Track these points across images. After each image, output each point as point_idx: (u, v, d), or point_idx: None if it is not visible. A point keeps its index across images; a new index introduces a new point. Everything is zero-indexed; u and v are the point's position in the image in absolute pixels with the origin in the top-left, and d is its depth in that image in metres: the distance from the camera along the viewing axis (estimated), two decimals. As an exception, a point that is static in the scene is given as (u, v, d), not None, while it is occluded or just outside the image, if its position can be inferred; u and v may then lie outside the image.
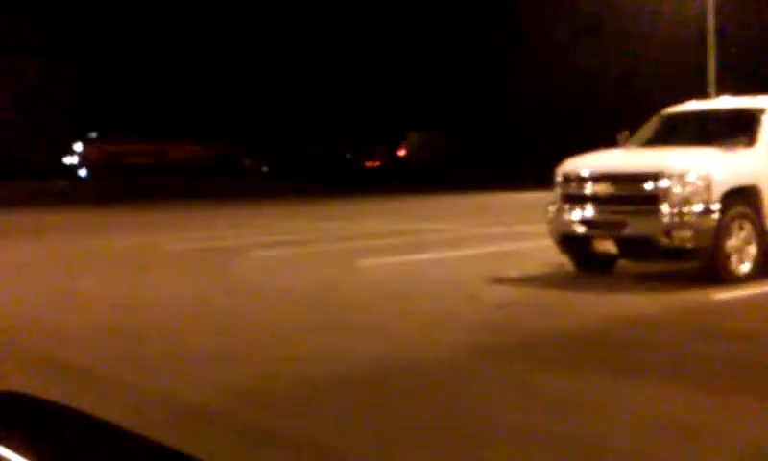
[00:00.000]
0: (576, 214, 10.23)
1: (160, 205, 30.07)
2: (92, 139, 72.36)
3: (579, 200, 10.30)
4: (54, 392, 5.08)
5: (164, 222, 22.36)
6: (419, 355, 6.55)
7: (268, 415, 5.10)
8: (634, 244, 9.87)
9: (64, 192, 42.89)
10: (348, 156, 76.33)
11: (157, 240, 16.52)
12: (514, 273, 10.81)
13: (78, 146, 71.55)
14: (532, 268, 11.14)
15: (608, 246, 10.04)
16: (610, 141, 11.77)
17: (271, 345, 7.07)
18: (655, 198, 9.58)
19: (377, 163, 75.91)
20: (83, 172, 69.45)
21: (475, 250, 13.58)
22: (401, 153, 75.90)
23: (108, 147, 70.77)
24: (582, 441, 4.57)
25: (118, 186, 46.56)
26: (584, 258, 10.52)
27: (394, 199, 30.88)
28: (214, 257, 13.51)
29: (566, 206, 10.39)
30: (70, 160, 71.49)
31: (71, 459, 1.14)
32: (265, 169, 74.39)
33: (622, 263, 10.61)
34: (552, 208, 10.59)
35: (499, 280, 10.27)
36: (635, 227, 9.70)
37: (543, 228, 11.11)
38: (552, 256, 10.94)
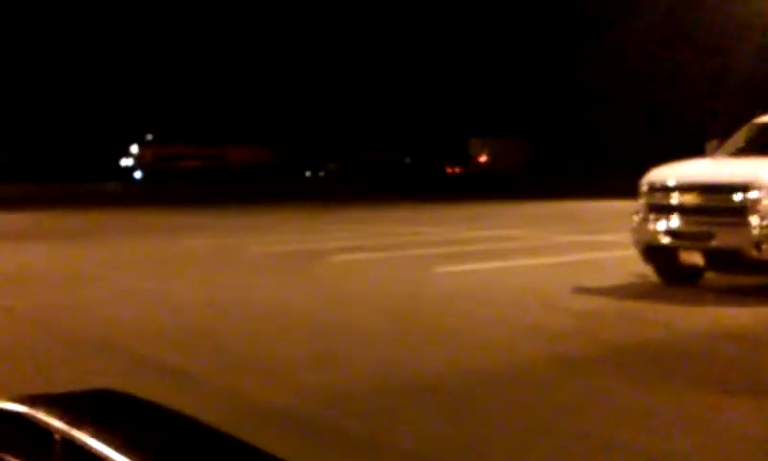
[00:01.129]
0: (662, 224, 10.05)
1: (230, 208, 30.48)
2: (148, 142, 72.31)
3: (665, 210, 10.12)
4: (148, 392, 5.22)
5: (242, 225, 22.70)
6: (497, 364, 6.52)
7: (351, 419, 5.14)
8: (721, 256, 9.65)
9: (115, 194, 43.26)
10: (425, 162, 75.73)
11: (240, 242, 16.78)
12: (596, 282, 10.67)
13: (134, 148, 71.62)
14: (614, 278, 10.98)
15: (694, 257, 9.84)
16: (698, 150, 11.54)
17: (352, 349, 7.12)
18: (744, 210, 9.35)
19: (458, 170, 75.38)
20: (137, 174, 69.64)
21: (556, 258, 13.44)
22: (482, 159, 75.22)
23: (164, 150, 70.53)
24: (664, 456, 4.49)
25: (173, 189, 46.28)
26: (669, 270, 10.32)
27: (474, 205, 30.75)
28: (297, 261, 13.66)
29: (652, 216, 10.21)
30: (126, 162, 71.82)
31: (170, 458, 1.18)
32: (321, 174, 74.09)
33: (708, 275, 10.38)
34: (636, 218, 10.42)
35: (581, 290, 10.14)
36: (722, 238, 9.48)
37: (627, 237, 10.94)
38: (636, 267, 10.77)
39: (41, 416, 1.30)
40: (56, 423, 1.26)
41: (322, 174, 74.37)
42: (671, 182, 10.20)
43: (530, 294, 9.90)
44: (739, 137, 11.46)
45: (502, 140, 72.65)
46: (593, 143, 52.18)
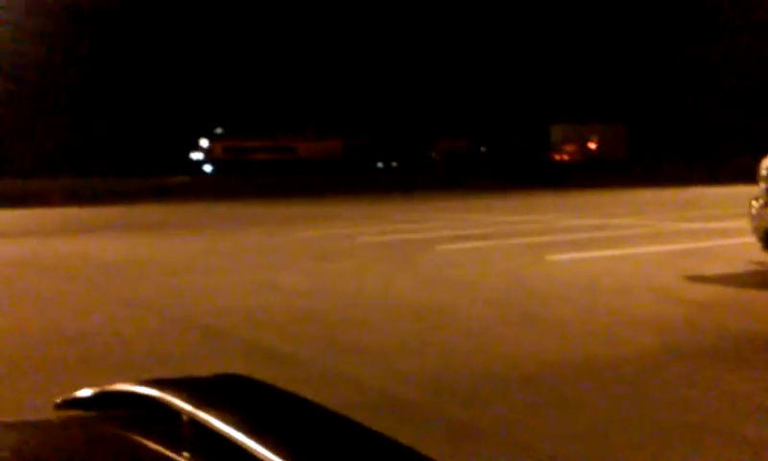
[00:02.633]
0: (782, 210, 9.68)
1: (310, 199, 30.64)
2: (217, 135, 71.83)
3: (785, 195, 9.74)
4: (255, 376, 5.35)
5: (342, 214, 22.93)
6: (606, 353, 6.41)
7: (453, 406, 5.15)
8: None
9: (185, 187, 43.13)
10: (530, 149, 73.81)
11: (346, 232, 16.97)
12: (711, 271, 10.35)
13: (204, 142, 71.19)
14: (731, 266, 10.63)
15: (817, 244, 9.45)
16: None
17: (459, 338, 7.11)
18: None
19: (566, 157, 73.82)
20: (207, 167, 69.26)
21: (670, 246, 13.10)
22: (592, 146, 73.54)
23: (234, 143, 70.08)
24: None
25: (246, 182, 45.97)
26: (789, 257, 9.94)
27: (583, 193, 30.25)
28: (405, 249, 13.72)
29: (771, 202, 9.85)
30: (196, 156, 71.58)
31: (293, 440, 1.21)
32: (394, 164, 72.80)
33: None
34: (756, 204, 10.06)
35: (695, 278, 9.86)
36: None
37: (745, 224, 10.58)
38: (754, 254, 10.40)
39: (169, 398, 1.34)
40: (183, 405, 1.31)
41: (394, 165, 73.18)
42: (792, 166, 9.81)
43: (642, 283, 9.69)
44: None
45: (597, 125, 69.93)
46: (700, 127, 50.52)
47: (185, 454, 1.25)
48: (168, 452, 1.26)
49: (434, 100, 74.69)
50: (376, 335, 7.27)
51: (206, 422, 1.25)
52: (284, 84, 73.79)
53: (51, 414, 1.50)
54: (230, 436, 1.20)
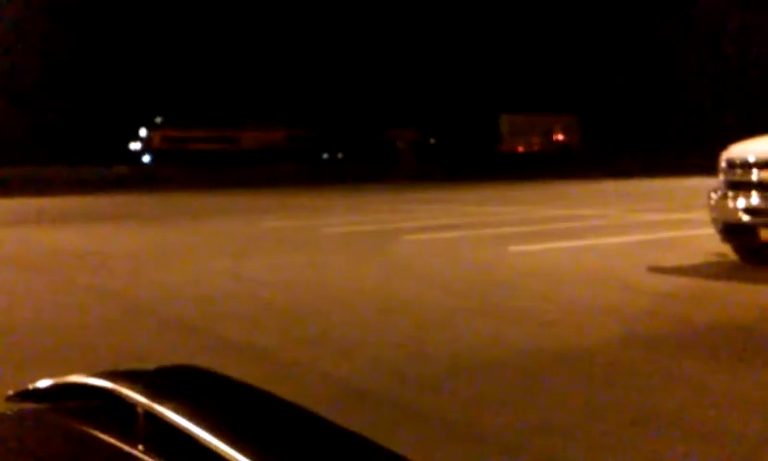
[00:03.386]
0: (741, 202, 9.81)
1: (257, 190, 30.40)
2: (157, 124, 69.50)
3: (744, 187, 9.87)
4: (218, 368, 5.33)
5: (305, 205, 22.90)
6: (570, 342, 6.47)
7: (420, 396, 5.17)
8: (804, 234, 9.39)
9: (122, 177, 42.17)
10: (479, 139, 72.10)
11: (312, 223, 16.94)
12: (673, 262, 10.48)
13: (142, 131, 68.98)
14: (692, 257, 10.77)
15: (775, 235, 9.59)
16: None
17: (426, 327, 7.14)
18: (828, 186, 9.08)
19: (520, 148, 73.56)
20: (145, 157, 67.23)
21: (633, 237, 13.24)
22: (558, 137, 73.59)
23: (173, 132, 67.86)
24: (743, 438, 4.41)
25: (186, 173, 45.09)
26: (748, 248, 10.08)
27: (545, 184, 30.45)
28: (371, 240, 13.73)
29: (731, 194, 9.98)
30: (135, 146, 69.51)
31: (250, 433, 1.21)
32: (340, 156, 71.47)
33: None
34: (715, 196, 10.19)
35: (657, 269, 9.98)
36: (805, 216, 9.22)
37: (705, 215, 10.72)
38: (714, 246, 10.55)
39: (124, 390, 1.34)
40: (138, 397, 1.30)
41: (340, 156, 71.88)
42: (751, 158, 9.95)
43: (605, 273, 9.78)
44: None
45: (549, 116, 68.59)
46: (655, 118, 50.82)
47: (140, 447, 1.24)
48: (123, 445, 1.26)
49: (380, 91, 73.43)
50: (343, 326, 7.28)
51: (162, 414, 1.25)
52: (228, 74, 71.71)
53: (2, 406, 1.48)
54: (186, 429, 1.20)
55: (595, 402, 5.00)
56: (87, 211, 22.88)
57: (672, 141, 46.44)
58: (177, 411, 1.25)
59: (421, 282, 9.54)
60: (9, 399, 1.53)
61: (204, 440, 1.17)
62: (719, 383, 5.35)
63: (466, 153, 63.26)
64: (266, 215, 19.41)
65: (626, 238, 13.11)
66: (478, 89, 70.73)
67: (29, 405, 1.49)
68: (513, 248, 12.16)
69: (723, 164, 10.24)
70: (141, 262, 11.69)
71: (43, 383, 1.51)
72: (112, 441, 1.28)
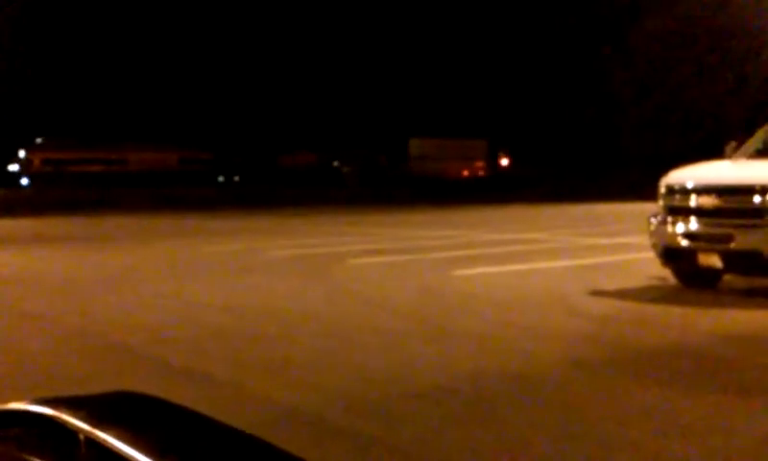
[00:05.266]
0: (680, 227, 10.03)
1: (187, 212, 29.90)
2: (37, 145, 66.04)
3: (683, 212, 10.09)
4: (163, 393, 5.28)
5: (236, 228, 22.77)
6: (516, 366, 6.53)
7: (368, 422, 5.17)
8: (740, 258, 9.61)
9: (3, 201, 41.08)
10: (385, 164, 70.83)
11: (254, 246, 16.86)
12: (614, 285, 10.65)
13: (21, 153, 65.36)
14: (633, 281, 10.96)
15: (713, 260, 9.81)
16: (716, 152, 11.50)
17: (371, 351, 7.15)
18: (763, 211, 9.33)
19: (481, 173, 73.67)
20: (24, 180, 63.91)
21: (575, 261, 13.42)
22: (504, 162, 73.92)
23: (54, 154, 64.30)
24: (669, 458, 4.49)
25: (65, 196, 43.10)
26: (688, 272, 10.29)
27: (492, 209, 30.71)
28: (316, 264, 13.70)
29: (670, 219, 10.19)
30: (13, 168, 65.78)
31: (191, 458, 1.21)
32: (236, 179, 69.92)
33: (727, 278, 10.34)
34: (655, 220, 10.40)
35: (599, 293, 10.13)
36: (741, 241, 9.44)
37: (646, 240, 10.92)
38: (654, 270, 10.74)
39: (65, 417, 1.33)
40: (79, 423, 1.30)
41: (236, 179, 70.30)
42: (690, 184, 10.18)
43: (547, 297, 9.90)
44: (758, 139, 11.41)
45: (457, 140, 67.61)
46: (616, 144, 51.41)
47: (81, 474, 1.24)
48: (64, 472, 1.25)
49: (279, 113, 71.70)
50: (287, 351, 7.25)
51: (103, 441, 1.25)
52: (115, 92, 68.47)
53: None
54: (128, 455, 1.20)
55: (541, 427, 5.05)
56: (8, 234, 22.29)
57: (611, 166, 47.21)
58: (119, 437, 1.25)
59: (367, 306, 9.55)
60: None
61: (146, 466, 1.17)
62: (663, 407, 5.44)
63: (379, 177, 62.36)
64: (198, 238, 19.22)
65: (568, 262, 13.28)
66: (387, 112, 69.83)
67: None
68: (457, 272, 12.24)
69: (663, 190, 10.45)
70: (82, 286, 11.51)
71: (-19, 411, 1.50)
72: (54, 468, 1.28)
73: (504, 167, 73.21)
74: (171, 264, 14.30)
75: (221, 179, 69.34)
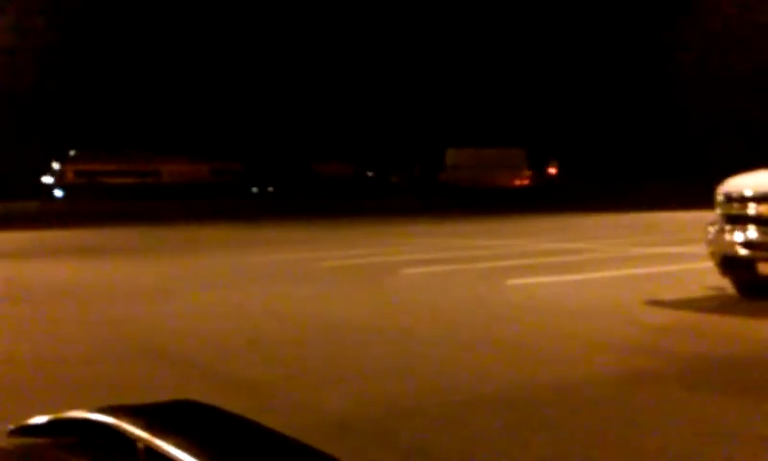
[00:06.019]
0: (739, 235, 9.83)
1: (262, 222, 30.07)
2: (70, 157, 65.74)
3: (742, 220, 9.89)
4: (217, 403, 5.30)
5: (289, 238, 22.87)
6: (573, 377, 6.44)
7: (419, 431, 5.14)
8: (801, 268, 9.40)
9: (38, 213, 40.75)
10: (418, 174, 69.99)
11: (307, 256, 16.93)
12: (671, 295, 10.48)
13: (55, 164, 65.15)
14: (690, 291, 10.77)
15: (773, 269, 9.59)
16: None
17: (425, 361, 7.12)
18: (825, 219, 9.11)
19: (525, 182, 73.07)
20: (57, 192, 63.40)
21: (630, 270, 13.23)
22: (552, 170, 73.29)
23: (87, 166, 64.01)
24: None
25: (101, 208, 43.87)
26: (746, 282, 10.08)
27: (539, 218, 30.49)
28: (370, 274, 13.70)
29: (728, 227, 10.00)
30: (47, 180, 65.46)
31: None
32: (270, 189, 69.64)
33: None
34: (712, 229, 10.21)
35: (656, 303, 9.97)
36: (802, 250, 9.24)
37: (701, 249, 10.73)
38: (712, 279, 10.54)
39: (124, 425, 1.33)
40: (139, 432, 1.29)
41: (270, 190, 70.18)
42: (748, 192, 9.98)
43: (602, 307, 9.77)
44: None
45: (495, 150, 66.83)
46: (679, 151, 50.53)
47: (141, 482, 1.23)
48: (123, 480, 1.25)
49: (312, 124, 71.35)
50: (341, 360, 7.25)
51: (162, 449, 1.24)
52: (148, 104, 68.83)
53: (4, 441, 1.48)
54: (186, 464, 1.19)
55: (597, 438, 4.98)
56: (53, 245, 22.66)
57: (667, 174, 46.53)
58: (177, 446, 1.24)
59: (421, 317, 9.52)
60: (10, 434, 1.52)
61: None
62: (724, 419, 5.33)
63: (416, 187, 61.99)
64: (245, 248, 19.37)
65: (623, 272, 13.11)
66: (424, 121, 69.31)
67: (30, 440, 1.48)
68: (510, 281, 12.15)
69: (720, 198, 10.27)
70: (137, 296, 11.65)
71: (43, 418, 1.50)
72: (113, 476, 1.28)
73: (552, 176, 72.61)
74: (224, 274, 14.41)
75: (254, 189, 69.44)
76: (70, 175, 64.04)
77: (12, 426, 1.52)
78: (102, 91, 66.73)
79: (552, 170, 73.35)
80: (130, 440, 1.30)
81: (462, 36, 65.95)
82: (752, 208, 9.85)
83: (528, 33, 62.86)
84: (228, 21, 69.18)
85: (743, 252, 9.80)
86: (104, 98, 67.19)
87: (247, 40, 70.05)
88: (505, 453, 4.73)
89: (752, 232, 9.74)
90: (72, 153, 66.48)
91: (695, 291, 10.73)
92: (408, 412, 5.54)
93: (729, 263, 10.06)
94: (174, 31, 67.97)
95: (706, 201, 10.80)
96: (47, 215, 38.83)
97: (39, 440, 1.47)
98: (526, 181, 64.60)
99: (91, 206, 45.42)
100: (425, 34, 67.02)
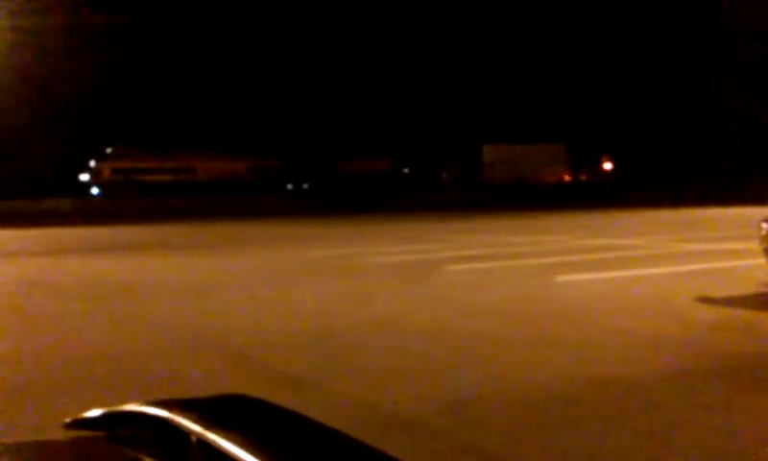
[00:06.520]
0: (793, 232, 9.65)
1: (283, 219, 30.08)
2: (107, 155, 66.45)
3: (796, 216, 9.71)
4: (275, 400, 5.33)
5: (329, 234, 22.91)
6: (621, 374, 6.37)
7: (469, 429, 5.12)
8: None
9: (75, 210, 41.20)
10: (458, 170, 69.13)
11: (354, 252, 16.97)
12: (722, 292, 10.31)
13: (92, 162, 65.93)
14: (742, 288, 10.59)
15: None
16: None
17: (472, 358, 7.09)
18: None
19: (565, 178, 72.28)
20: (94, 190, 64.11)
21: (681, 267, 13.06)
22: (607, 166, 72.44)
23: (124, 163, 64.68)
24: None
25: (139, 205, 44.00)
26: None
27: (593, 213, 30.20)
28: (415, 270, 13.70)
29: (782, 223, 9.82)
30: (84, 177, 66.42)
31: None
32: (305, 186, 69.26)
33: None
34: (766, 226, 10.03)
35: (707, 300, 9.82)
36: None
37: (753, 245, 10.54)
38: (764, 276, 10.36)
39: (178, 419, 1.34)
40: (192, 425, 1.30)
41: (305, 187, 69.81)
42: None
43: (653, 304, 9.65)
44: None
45: (532, 145, 65.52)
46: (696, 146, 49.81)
47: (194, 475, 1.24)
48: (177, 473, 1.26)
49: (347, 120, 70.95)
50: (390, 357, 7.25)
51: (214, 442, 1.25)
52: (183, 102, 68.94)
53: (61, 434, 1.50)
54: (238, 457, 1.20)
55: (646, 435, 4.92)
56: (96, 242, 23.02)
57: (718, 170, 45.77)
58: (230, 440, 1.25)
59: (469, 313, 9.48)
60: (66, 426, 1.55)
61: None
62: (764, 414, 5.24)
63: (456, 184, 61.61)
64: (292, 244, 19.54)
65: (673, 268, 12.94)
66: (460, 117, 68.71)
67: (85, 433, 1.50)
68: (559, 278, 12.06)
69: (773, 194, 10.09)
70: (192, 291, 11.78)
71: (98, 412, 1.52)
72: (167, 469, 1.29)
73: (607, 172, 71.80)
74: (273, 270, 14.51)
75: (289, 187, 69.40)
76: (107, 172, 64.72)
77: (68, 420, 1.55)
78: (138, 89, 67.37)
79: (606, 166, 72.55)
80: (182, 433, 1.31)
81: (507, 28, 65.59)
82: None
83: (584, 27, 62.30)
84: (267, 18, 69.47)
85: (798, 248, 9.62)
86: (143, 96, 67.84)
87: (285, 38, 70.35)
88: (553, 451, 4.69)
89: (806, 228, 9.55)
90: (109, 150, 67.10)
91: (747, 288, 10.55)
92: (463, 411, 5.52)
93: (782, 260, 9.88)
94: (212, 30, 68.52)
95: (757, 197, 10.60)
96: (84, 213, 39.35)
97: (94, 433, 1.49)
98: (566, 177, 63.90)
99: (128, 204, 45.86)
100: (462, 26, 66.74)
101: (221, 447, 1.23)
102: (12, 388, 6.35)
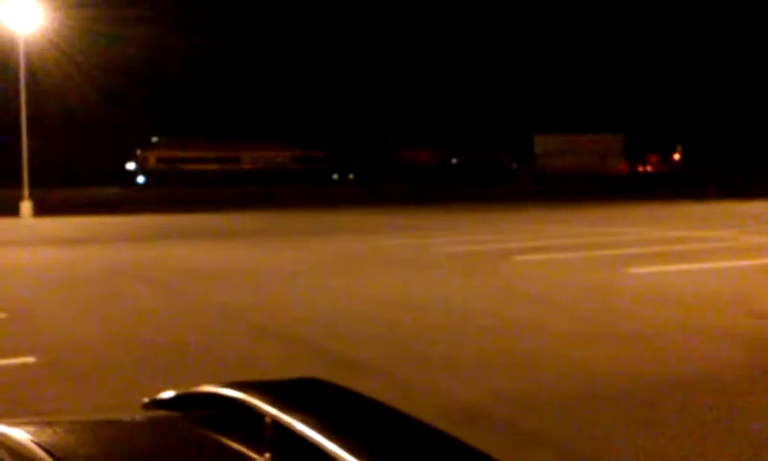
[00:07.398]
0: None
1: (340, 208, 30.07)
2: (152, 144, 66.78)
3: None
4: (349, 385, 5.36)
5: (405, 225, 22.88)
6: (696, 369, 6.25)
7: (536, 420, 5.08)
8: None
9: (120, 199, 41.35)
10: (504, 160, 68.03)
11: (420, 242, 16.95)
12: (800, 286, 10.04)
13: (138, 151, 66.60)
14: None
15: None
16: None
17: (541, 350, 7.03)
18: None
19: (648, 169, 71.24)
20: (140, 178, 64.60)
21: (755, 261, 12.75)
22: (677, 157, 71.11)
23: (169, 152, 64.76)
24: None
25: (186, 195, 43.62)
26: None
27: (664, 205, 29.66)
28: (482, 260, 13.64)
29: None
30: (130, 166, 67.31)
31: (373, 444, 1.21)
32: (351, 176, 68.53)
33: None
34: None
35: (784, 294, 9.57)
36: None
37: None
38: None
39: (253, 400, 1.36)
40: (267, 407, 1.32)
41: (351, 177, 69.20)
42: None
43: (728, 298, 9.44)
44: None
45: (586, 135, 63.71)
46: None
47: (267, 455, 1.26)
48: (251, 453, 1.28)
49: (394, 110, 70.69)
50: (457, 347, 7.23)
51: (289, 424, 1.26)
52: (229, 91, 69.23)
53: (138, 413, 1.54)
54: (312, 439, 1.21)
55: (717, 433, 4.82)
56: (154, 229, 23.35)
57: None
58: (303, 422, 1.26)
59: (539, 305, 9.39)
60: (144, 406, 1.58)
61: (331, 450, 1.18)
62: None
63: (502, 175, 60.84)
64: (354, 234, 19.64)
65: (747, 262, 12.63)
66: (512, 108, 68.03)
67: (162, 413, 1.54)
68: (631, 270, 11.87)
69: None
70: (263, 280, 11.91)
71: (174, 392, 1.56)
72: (241, 449, 1.31)
73: (676, 162, 70.48)
74: (341, 258, 14.60)
75: (335, 176, 69.24)
76: (152, 161, 65.33)
77: (146, 399, 1.58)
78: (189, 80, 68.22)
79: (676, 156, 71.18)
80: (257, 415, 1.33)
81: (570, 17, 64.91)
82: None
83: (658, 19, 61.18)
84: (316, 8, 69.85)
85: None
86: (192, 85, 68.58)
87: (332, 27, 70.64)
88: (615, 446, 4.63)
89: None
90: (155, 139, 67.79)
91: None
92: (531, 402, 5.49)
93: None
94: (259, 19, 69.21)
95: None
96: (131, 201, 39.82)
97: (171, 413, 1.52)
98: (623, 169, 62.72)
99: (173, 193, 46.11)
100: (517, 15, 66.28)
101: (295, 428, 1.25)
102: (103, 367, 6.52)
